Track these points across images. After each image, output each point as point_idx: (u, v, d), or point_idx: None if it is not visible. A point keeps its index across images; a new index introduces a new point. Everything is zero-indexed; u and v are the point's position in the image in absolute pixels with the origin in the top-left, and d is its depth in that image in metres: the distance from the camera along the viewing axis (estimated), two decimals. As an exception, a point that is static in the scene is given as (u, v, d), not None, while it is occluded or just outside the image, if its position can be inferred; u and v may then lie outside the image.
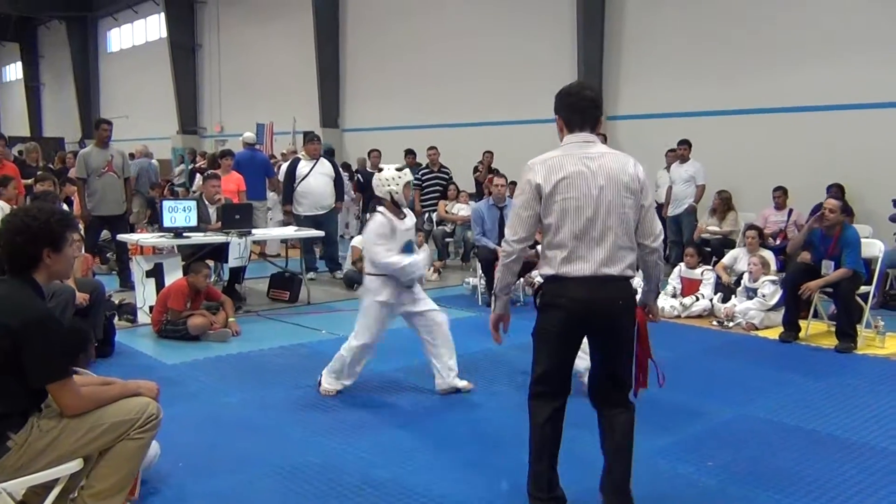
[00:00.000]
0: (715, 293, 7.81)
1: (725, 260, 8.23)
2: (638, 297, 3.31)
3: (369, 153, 12.04)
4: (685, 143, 10.35)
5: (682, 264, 8.22)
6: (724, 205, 9.82)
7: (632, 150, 11.62)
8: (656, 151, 11.52)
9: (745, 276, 7.59)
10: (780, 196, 9.67)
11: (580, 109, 3.23)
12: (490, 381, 5.47)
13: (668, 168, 10.78)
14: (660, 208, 10.80)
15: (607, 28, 12.79)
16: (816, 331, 6.95)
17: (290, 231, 8.91)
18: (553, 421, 3.24)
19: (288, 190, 9.68)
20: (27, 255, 2.87)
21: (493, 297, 3.43)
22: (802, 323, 6.83)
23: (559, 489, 3.30)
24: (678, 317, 7.65)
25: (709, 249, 9.35)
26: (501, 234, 8.32)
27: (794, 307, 6.75)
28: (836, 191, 9.24)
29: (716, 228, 9.76)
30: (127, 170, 8.96)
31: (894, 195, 8.98)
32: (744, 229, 8.59)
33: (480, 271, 8.46)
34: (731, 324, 7.31)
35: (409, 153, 12.79)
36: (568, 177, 3.09)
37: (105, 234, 9.35)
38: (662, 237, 3.29)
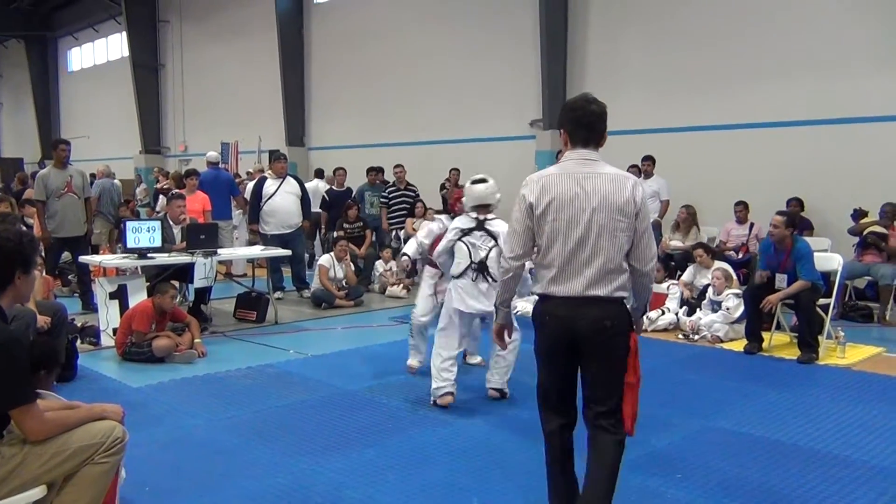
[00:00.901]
0: (680, 307, 7.92)
1: (685, 276, 8.34)
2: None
3: (335, 171, 12.01)
4: (649, 160, 10.52)
5: (647, 279, 8.29)
6: (689, 219, 9.98)
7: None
8: (620, 167, 11.63)
9: (709, 289, 7.70)
10: (742, 210, 9.86)
11: (585, 124, 3.15)
12: (462, 395, 5.45)
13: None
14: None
15: (570, 46, 12.98)
16: (779, 342, 7.08)
17: (257, 250, 8.84)
18: (559, 435, 3.20)
19: (254, 209, 9.63)
20: None
21: (495, 309, 3.43)
22: (766, 334, 6.96)
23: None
24: (645, 330, 7.73)
25: (673, 263, 9.47)
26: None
27: (756, 319, 6.87)
28: (795, 204, 9.47)
29: (679, 244, 9.89)
30: (87, 190, 8.82)
31: (851, 208, 9.22)
32: (693, 247, 8.72)
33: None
34: (696, 337, 7.41)
35: (374, 170, 12.80)
36: (559, 197, 3.07)
37: (66, 255, 9.19)
38: (656, 261, 3.25)
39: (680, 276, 8.68)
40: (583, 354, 3.10)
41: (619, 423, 3.11)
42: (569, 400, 3.22)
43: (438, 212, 11.98)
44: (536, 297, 3.22)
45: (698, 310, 7.73)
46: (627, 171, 3.32)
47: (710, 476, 4.03)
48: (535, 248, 3.16)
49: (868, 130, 9.65)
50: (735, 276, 7.99)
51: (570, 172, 3.10)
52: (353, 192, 11.95)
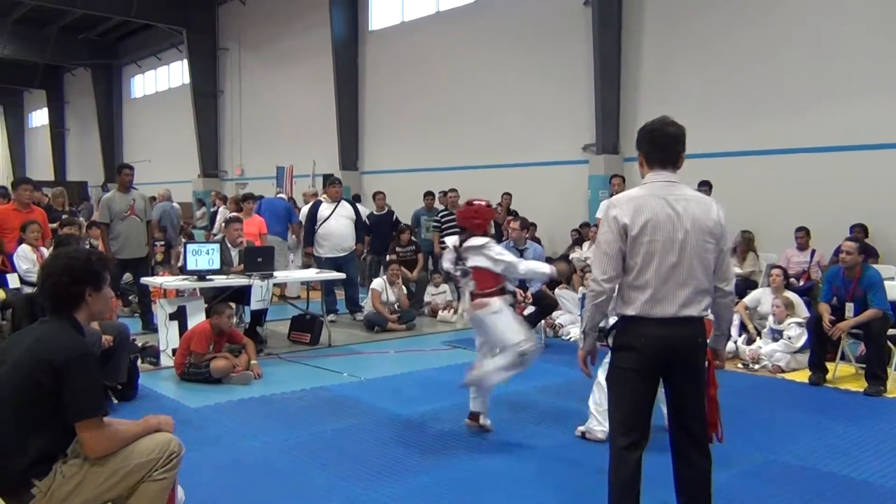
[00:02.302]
0: (739, 335, 7.73)
1: (747, 300, 8.13)
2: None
3: (374, 195, 12.10)
4: (706, 185, 10.32)
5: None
6: (745, 245, 9.78)
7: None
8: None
9: (770, 318, 7.50)
10: (803, 237, 9.61)
11: (662, 146, 3.24)
12: (522, 422, 5.41)
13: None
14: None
15: (623, 71, 12.90)
16: (844, 373, 6.85)
17: (312, 273, 8.95)
18: (635, 470, 3.18)
19: (309, 232, 9.76)
20: (70, 295, 2.94)
21: (582, 335, 3.42)
22: (830, 365, 6.74)
23: None
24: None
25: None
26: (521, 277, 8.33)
27: (820, 349, 6.66)
28: (859, 231, 9.19)
29: (737, 269, 9.68)
30: (148, 213, 9.07)
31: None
32: (767, 269, 8.53)
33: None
34: (756, 366, 7.22)
35: (429, 195, 12.87)
36: (654, 219, 3.10)
37: (127, 276, 9.43)
38: (735, 280, 3.32)
39: (736, 303, 8.48)
40: (673, 373, 3.19)
41: (706, 434, 3.23)
42: (649, 419, 3.25)
43: (491, 237, 12.03)
44: (618, 319, 3.23)
45: (758, 338, 7.54)
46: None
47: (775, 511, 3.89)
48: (626, 270, 3.18)
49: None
50: (803, 306, 7.74)
51: (658, 194, 3.15)
52: (395, 215, 11.98)
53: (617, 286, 3.19)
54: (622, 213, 3.14)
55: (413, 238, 11.28)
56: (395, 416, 5.61)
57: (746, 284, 9.36)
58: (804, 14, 10.60)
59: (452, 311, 10.04)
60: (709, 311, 3.23)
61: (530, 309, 8.33)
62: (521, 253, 8.36)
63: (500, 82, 14.89)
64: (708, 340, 3.30)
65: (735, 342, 7.64)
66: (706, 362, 3.24)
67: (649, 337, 3.12)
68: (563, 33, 13.68)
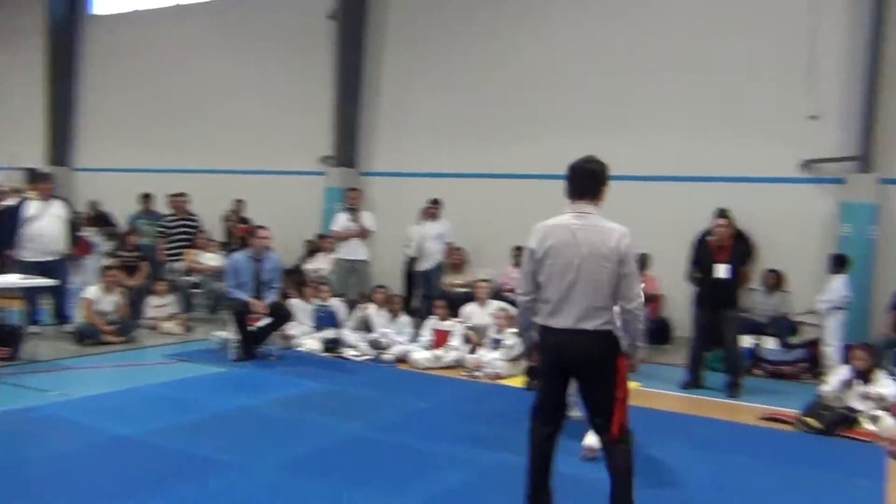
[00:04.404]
0: (466, 343, 8.21)
1: (462, 314, 8.64)
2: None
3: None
4: (435, 203, 10.87)
5: (433, 317, 8.55)
6: (462, 261, 10.40)
7: (385, 206, 11.95)
8: (406, 209, 12.00)
9: (491, 327, 8.07)
10: (518, 255, 10.48)
11: (578, 180, 3.82)
12: (245, 440, 5.23)
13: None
14: (411, 262, 11.20)
15: (364, 88, 13.21)
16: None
17: (14, 279, 7.91)
18: (546, 442, 3.83)
19: (8, 232, 8.61)
20: None
21: (522, 337, 4.15)
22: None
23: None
24: (431, 368, 7.92)
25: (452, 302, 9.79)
26: (258, 287, 8.12)
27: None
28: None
29: (459, 282, 10.29)
30: None
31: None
32: (475, 280, 9.21)
33: (235, 325, 8.08)
34: (478, 373, 7.71)
35: (146, 197, 12.05)
36: (555, 245, 3.71)
37: None
38: (641, 300, 3.81)
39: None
40: (576, 375, 3.77)
41: (618, 432, 3.71)
42: (558, 412, 3.87)
43: (222, 244, 11.57)
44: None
45: (478, 347, 8.08)
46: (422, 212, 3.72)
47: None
48: (538, 286, 3.77)
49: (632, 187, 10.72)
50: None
51: (565, 224, 3.75)
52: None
53: (533, 298, 3.80)
54: (533, 239, 3.80)
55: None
56: (118, 438, 5.13)
57: (468, 297, 9.97)
58: (539, 49, 11.67)
59: (177, 322, 9.47)
60: (611, 326, 3.71)
61: (265, 320, 8.14)
62: (258, 263, 8.17)
63: (238, 87, 14.46)
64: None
65: (460, 351, 8.11)
66: (614, 371, 3.70)
67: (549, 343, 3.77)
68: (306, 44, 13.65)
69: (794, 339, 8.74)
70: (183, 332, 9.34)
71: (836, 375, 6.72)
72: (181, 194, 10.96)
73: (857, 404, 6.28)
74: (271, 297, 8.18)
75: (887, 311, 8.54)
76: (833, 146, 9.91)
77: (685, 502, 4.17)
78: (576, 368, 3.76)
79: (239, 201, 12.66)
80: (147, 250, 10.69)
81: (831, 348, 8.25)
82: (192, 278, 10.34)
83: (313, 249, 12.37)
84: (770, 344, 8.60)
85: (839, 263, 8.53)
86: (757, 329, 8.65)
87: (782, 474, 5.00)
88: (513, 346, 7.74)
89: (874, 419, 6.06)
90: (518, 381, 7.42)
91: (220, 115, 14.57)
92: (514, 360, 7.73)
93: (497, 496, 4.35)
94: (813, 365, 8.33)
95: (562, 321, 3.69)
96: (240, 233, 12.18)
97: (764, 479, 4.88)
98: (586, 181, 3.81)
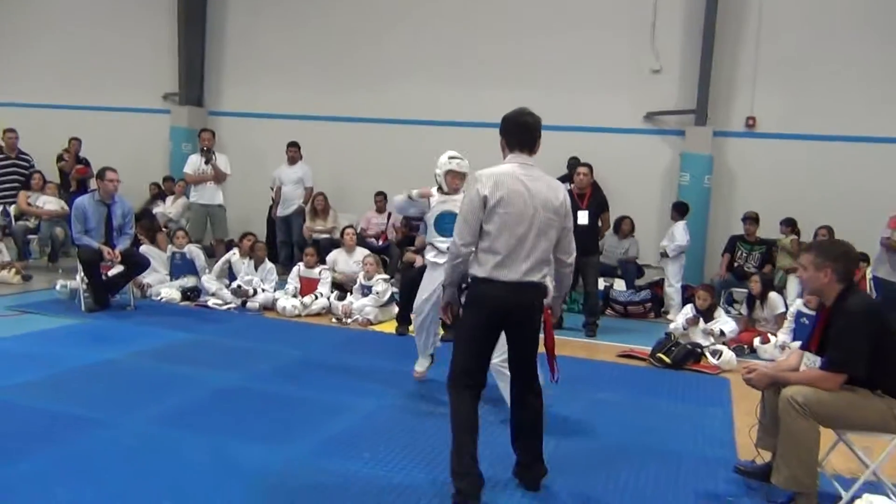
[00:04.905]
0: (333, 290, 8.16)
1: (328, 261, 8.61)
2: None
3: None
4: (294, 146, 10.57)
5: (300, 264, 8.41)
6: (325, 206, 10.27)
7: (236, 148, 11.48)
8: (261, 150, 11.59)
9: (360, 274, 8.06)
10: (381, 201, 10.48)
11: (516, 133, 3.72)
12: (112, 395, 4.97)
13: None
14: (271, 208, 10.91)
15: (209, 25, 12.48)
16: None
17: None
18: (474, 408, 3.62)
19: None
20: None
21: (442, 288, 3.86)
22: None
23: (478, 467, 3.58)
24: (299, 315, 7.82)
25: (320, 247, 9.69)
26: (108, 233, 7.61)
27: (409, 303, 7.36)
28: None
29: (322, 227, 10.19)
30: None
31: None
32: (342, 229, 9.17)
33: (82, 273, 7.53)
34: (348, 320, 7.71)
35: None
36: (510, 194, 3.55)
37: None
38: (575, 255, 3.82)
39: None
40: (513, 330, 3.69)
41: (536, 379, 3.81)
42: (485, 371, 3.74)
43: (59, 186, 10.67)
44: (471, 279, 3.66)
45: (349, 294, 8.06)
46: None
47: (396, 452, 4.22)
48: (482, 236, 3.59)
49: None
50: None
51: (514, 173, 3.62)
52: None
53: (473, 249, 3.61)
54: (483, 186, 3.57)
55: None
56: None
57: (332, 243, 9.89)
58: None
59: (13, 270, 8.70)
60: (547, 277, 3.72)
61: (118, 268, 7.67)
62: (108, 208, 7.64)
63: (68, 10, 13.16)
64: (546, 301, 3.80)
65: (328, 298, 8.06)
66: (542, 320, 3.74)
67: (494, 298, 3.58)
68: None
69: (640, 282, 9.40)
70: (20, 281, 8.59)
71: (682, 314, 7.34)
72: (10, 130, 9.95)
73: (701, 340, 6.90)
74: (124, 243, 7.70)
75: (722, 254, 9.36)
76: (674, 100, 10.58)
77: (556, 438, 4.38)
78: (514, 322, 3.66)
79: (74, 139, 11.68)
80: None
81: (672, 289, 8.96)
82: (28, 223, 9.50)
83: (160, 192, 11.74)
84: (619, 286, 9.21)
85: (681, 211, 9.20)
86: (608, 272, 9.20)
87: (643, 406, 5.43)
88: (382, 291, 7.78)
89: (715, 353, 6.69)
90: (388, 327, 7.49)
91: (44, 46, 13.22)
92: (384, 306, 7.78)
93: (380, 442, 4.37)
94: (657, 305, 9.02)
95: (509, 274, 3.55)
96: (78, 174, 11.33)
97: (628, 412, 5.28)
98: (524, 133, 3.72)
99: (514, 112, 3.77)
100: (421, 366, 5.70)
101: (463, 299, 3.74)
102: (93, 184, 9.61)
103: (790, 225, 9.20)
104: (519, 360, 3.79)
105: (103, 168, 7.82)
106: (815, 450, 3.55)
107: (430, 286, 5.30)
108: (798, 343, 6.78)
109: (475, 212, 3.58)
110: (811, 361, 3.75)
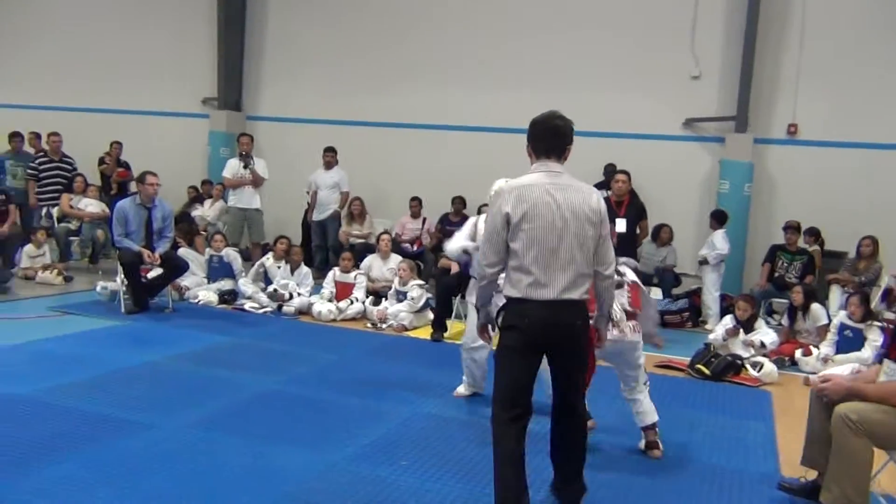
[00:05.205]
0: (367, 296, 8.17)
1: (362, 266, 8.63)
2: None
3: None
4: (331, 150, 10.62)
5: (336, 268, 8.44)
6: (362, 210, 10.34)
7: (273, 152, 11.58)
8: (297, 155, 11.66)
9: (396, 279, 8.06)
10: (416, 206, 10.49)
11: (546, 138, 3.43)
12: (153, 397, 5.02)
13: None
14: (307, 212, 10.97)
15: (248, 30, 12.61)
16: (460, 329, 7.66)
17: None
18: (518, 440, 3.34)
19: None
20: None
21: (476, 310, 3.75)
22: (449, 322, 7.48)
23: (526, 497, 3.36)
24: (334, 320, 7.84)
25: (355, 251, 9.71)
26: (148, 236, 7.71)
27: (444, 309, 7.36)
28: (459, 204, 10.33)
29: (358, 231, 10.24)
30: None
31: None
32: (378, 234, 9.18)
33: (122, 275, 7.64)
34: (384, 325, 7.71)
35: (15, 136, 11.08)
36: (534, 207, 3.28)
37: None
38: (615, 265, 3.56)
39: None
40: (555, 352, 3.41)
41: (581, 402, 3.60)
42: (530, 394, 3.41)
43: (100, 189, 10.84)
44: (506, 300, 3.40)
45: (384, 299, 8.07)
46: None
47: (432, 459, 4.20)
48: (511, 255, 3.34)
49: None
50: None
51: (539, 183, 3.34)
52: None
53: (501, 269, 3.39)
54: (505, 202, 3.32)
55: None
56: (8, 397, 4.78)
57: (367, 248, 9.92)
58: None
59: (56, 271, 8.85)
60: (587, 293, 3.41)
61: (157, 271, 7.76)
62: (149, 212, 7.75)
63: (111, 18, 13.40)
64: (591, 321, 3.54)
65: (363, 303, 8.06)
66: (588, 342, 3.50)
67: (532, 318, 3.30)
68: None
69: (677, 291, 9.28)
70: (62, 283, 8.75)
71: (721, 325, 7.22)
72: (54, 133, 10.14)
73: (741, 351, 6.78)
74: (163, 246, 7.79)
75: (763, 264, 9.19)
76: (714, 106, 10.44)
77: (592, 452, 4.26)
78: (553, 343, 3.37)
79: (116, 143, 11.86)
80: (19, 195, 9.88)
81: (711, 298, 8.82)
82: (70, 225, 9.66)
83: (198, 196, 11.86)
84: (656, 294, 9.09)
85: (719, 219, 9.07)
86: (645, 281, 9.06)
87: (682, 418, 5.32)
88: (417, 297, 7.77)
89: (756, 365, 6.57)
90: (423, 333, 7.48)
91: (86, 51, 13.47)
92: (419, 311, 7.78)
93: (416, 450, 4.35)
94: (694, 314, 8.89)
95: (546, 292, 3.28)
96: (119, 178, 11.51)
97: (666, 424, 5.15)
98: (553, 139, 3.42)
99: (544, 115, 3.50)
100: (463, 390, 5.52)
101: (499, 321, 3.49)
102: (133, 187, 9.78)
103: (813, 234, 9.01)
104: (562, 383, 3.51)
105: (144, 172, 7.93)
106: (867, 469, 3.45)
107: None
108: (841, 356, 6.68)
109: (498, 231, 3.34)
110: (891, 370, 3.62)
